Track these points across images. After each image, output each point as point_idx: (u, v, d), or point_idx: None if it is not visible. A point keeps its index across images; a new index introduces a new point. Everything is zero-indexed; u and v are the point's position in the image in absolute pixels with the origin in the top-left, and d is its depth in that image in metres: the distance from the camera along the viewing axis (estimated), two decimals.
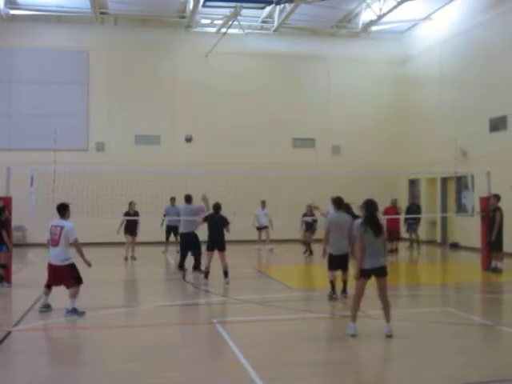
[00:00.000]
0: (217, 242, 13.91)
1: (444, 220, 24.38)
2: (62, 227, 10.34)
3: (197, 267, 15.96)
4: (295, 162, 24.99)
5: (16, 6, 23.88)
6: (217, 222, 14.10)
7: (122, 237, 19.46)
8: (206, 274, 14.01)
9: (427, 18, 25.31)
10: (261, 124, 25.90)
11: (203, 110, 25.73)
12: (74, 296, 10.45)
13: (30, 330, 9.46)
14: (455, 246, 23.03)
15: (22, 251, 21.15)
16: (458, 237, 23.15)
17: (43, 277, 14.99)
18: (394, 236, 19.99)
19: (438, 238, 24.58)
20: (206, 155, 24.54)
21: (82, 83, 25.32)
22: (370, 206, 8.90)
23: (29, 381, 7.07)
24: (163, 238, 20.78)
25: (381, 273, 8.79)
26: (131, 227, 19.20)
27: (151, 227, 20.53)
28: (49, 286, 10.77)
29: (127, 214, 19.17)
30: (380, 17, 23.97)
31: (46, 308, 10.65)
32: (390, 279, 14.13)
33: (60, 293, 13.10)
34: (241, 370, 7.23)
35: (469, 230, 20.54)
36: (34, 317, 10.39)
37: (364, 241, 8.70)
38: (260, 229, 21.89)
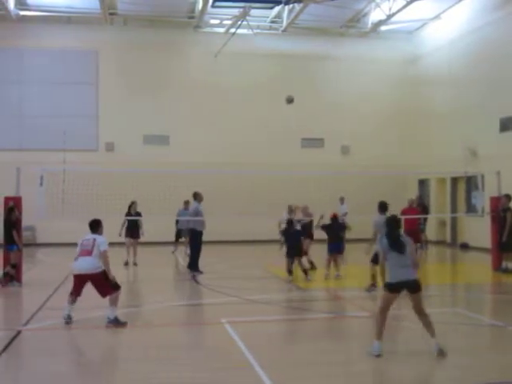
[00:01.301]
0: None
1: (454, 220, 24.27)
2: (94, 239, 10.11)
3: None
4: (304, 162, 24.95)
5: (26, 7, 23.97)
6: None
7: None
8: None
9: (436, 17, 25.22)
10: (269, 124, 25.88)
11: (212, 110, 25.74)
12: (114, 303, 9.82)
13: (40, 330, 9.49)
14: (465, 247, 22.92)
15: (31, 251, 21.24)
16: (468, 237, 23.04)
17: (53, 276, 15.13)
18: (413, 239, 19.03)
19: (448, 239, 24.48)
20: (214, 155, 24.52)
21: (92, 83, 25.39)
22: (390, 222, 8.39)
23: (39, 380, 7.09)
24: (170, 239, 20.85)
25: (412, 287, 7.93)
26: (132, 229, 17.77)
27: (161, 227, 20.58)
28: (74, 295, 10.15)
29: (128, 214, 17.78)
30: (389, 16, 23.91)
31: (69, 319, 9.85)
32: None
33: (68, 293, 13.16)
34: (249, 370, 7.23)
35: (479, 230, 20.41)
36: (43, 316, 10.43)
37: (387, 256, 8.12)
38: None
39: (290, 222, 15.29)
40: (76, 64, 25.23)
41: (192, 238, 16.44)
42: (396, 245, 8.05)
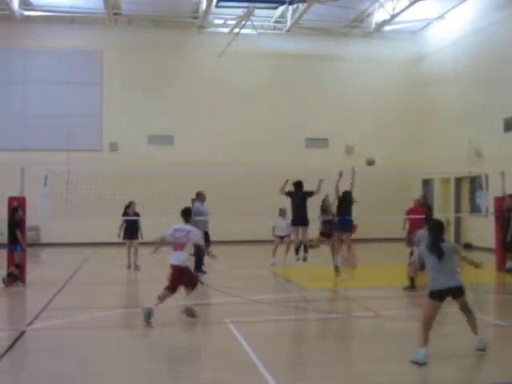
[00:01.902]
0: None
1: (458, 220, 24.24)
2: (188, 231, 10.44)
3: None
4: (308, 162, 24.93)
5: (30, 7, 24.02)
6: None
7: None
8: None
9: (441, 17, 25.19)
10: (273, 124, 25.89)
11: (216, 110, 25.76)
12: (191, 294, 10.38)
13: (44, 330, 9.50)
14: (469, 247, 22.87)
15: (35, 251, 21.27)
16: (472, 237, 23.00)
17: (57, 276, 15.16)
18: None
19: (452, 239, 24.44)
20: (219, 155, 24.53)
21: (96, 84, 25.43)
22: (433, 227, 8.15)
23: (42, 380, 7.10)
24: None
25: (455, 293, 7.90)
26: (131, 230, 16.94)
27: (165, 227, 20.54)
28: (170, 289, 10.32)
29: (125, 215, 16.98)
30: (393, 16, 23.89)
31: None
32: (402, 280, 14.09)
33: (72, 293, 13.20)
34: (254, 370, 7.22)
35: (482, 230, 20.40)
36: (47, 316, 10.44)
37: (427, 261, 7.97)
38: (282, 237, 18.89)
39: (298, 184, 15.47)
40: (80, 64, 25.27)
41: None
42: (435, 250, 7.85)
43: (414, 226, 17.43)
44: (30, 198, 14.27)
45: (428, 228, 8.20)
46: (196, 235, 10.54)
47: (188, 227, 10.59)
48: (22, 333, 9.19)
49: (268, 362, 7.42)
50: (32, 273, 15.10)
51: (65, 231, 23.05)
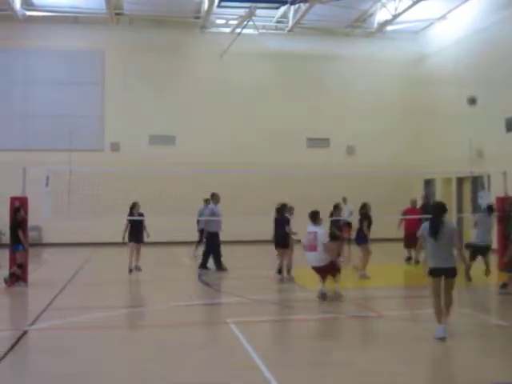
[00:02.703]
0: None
1: (460, 220, 24.20)
2: (315, 233, 11.46)
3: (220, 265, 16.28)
4: (309, 162, 24.94)
5: (32, 7, 24.05)
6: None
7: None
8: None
9: (443, 17, 25.17)
10: (275, 124, 25.87)
11: (218, 110, 25.75)
12: (337, 281, 11.75)
13: (46, 330, 9.51)
14: (471, 247, 22.81)
15: (37, 251, 21.31)
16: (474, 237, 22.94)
17: (59, 276, 15.17)
18: (415, 241, 18.41)
19: None
20: (220, 155, 24.54)
21: (98, 84, 25.44)
22: (433, 208, 9.09)
23: (44, 380, 7.11)
24: (174, 239, 20.81)
25: (448, 274, 8.68)
26: (136, 232, 16.41)
27: (166, 227, 20.56)
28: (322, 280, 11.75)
29: (131, 216, 16.39)
30: (395, 16, 23.89)
31: (323, 296, 11.62)
32: (403, 280, 14.09)
33: (74, 293, 13.21)
34: (256, 370, 7.22)
35: None
36: (49, 316, 10.45)
37: (427, 241, 8.81)
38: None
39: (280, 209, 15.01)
40: (82, 64, 25.29)
41: (206, 239, 16.56)
42: (432, 230, 8.66)
43: (410, 226, 17.40)
44: (32, 198, 14.30)
45: (432, 209, 9.13)
46: (322, 235, 11.52)
47: (316, 229, 11.58)
48: (24, 333, 9.20)
49: (270, 362, 7.42)
50: (34, 273, 15.11)
51: (66, 231, 23.05)
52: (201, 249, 19.72)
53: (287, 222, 14.67)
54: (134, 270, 16.24)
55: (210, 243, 16.46)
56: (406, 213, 18.15)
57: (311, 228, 11.66)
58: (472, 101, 18.34)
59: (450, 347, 8.44)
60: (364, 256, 14.87)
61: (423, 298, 13.01)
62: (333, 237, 15.91)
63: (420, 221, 17.55)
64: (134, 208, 16.42)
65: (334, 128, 26.69)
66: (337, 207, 16.79)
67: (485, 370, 7.30)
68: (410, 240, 16.78)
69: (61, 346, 8.52)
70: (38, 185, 14.10)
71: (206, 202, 19.69)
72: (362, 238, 15.03)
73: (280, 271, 14.69)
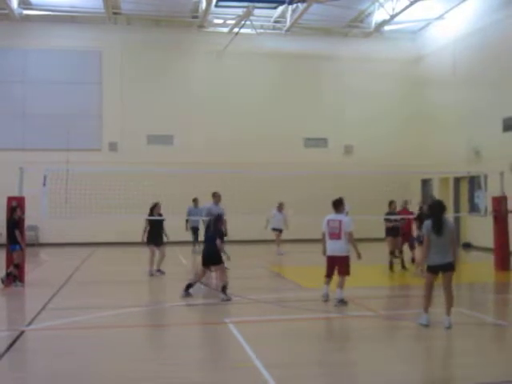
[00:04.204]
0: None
1: (457, 220, 24.25)
2: (340, 221, 11.29)
3: None
4: (307, 161, 24.95)
5: (29, 7, 24.01)
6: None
7: (130, 236, 19.38)
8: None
9: (440, 17, 25.20)
10: (273, 123, 25.89)
11: (216, 110, 25.75)
12: (342, 286, 11.21)
13: (43, 330, 9.50)
14: (468, 246, 22.93)
15: (34, 251, 21.30)
16: (471, 237, 23.03)
17: (56, 276, 15.16)
18: (405, 240, 18.70)
19: None
20: (218, 155, 24.54)
21: (95, 83, 25.42)
22: (434, 207, 9.50)
23: (42, 380, 7.11)
24: (176, 238, 20.77)
25: (446, 268, 9.18)
26: (155, 234, 15.85)
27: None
28: (329, 276, 11.60)
29: (151, 216, 15.82)
30: (393, 16, 23.91)
31: (325, 296, 11.54)
32: (401, 280, 14.10)
33: (71, 293, 13.20)
34: (253, 369, 7.23)
35: (482, 230, 20.42)
36: (47, 316, 10.44)
37: (429, 240, 9.22)
38: (276, 230, 21.14)
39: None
40: (79, 63, 25.28)
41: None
42: (436, 227, 9.16)
43: (402, 228, 17.58)
44: (29, 197, 14.28)
45: (431, 209, 9.52)
46: (347, 223, 11.33)
47: (340, 217, 11.42)
48: (21, 333, 9.19)
49: (268, 362, 7.42)
50: (31, 273, 15.10)
51: (64, 231, 23.06)
52: (199, 246, 20.00)
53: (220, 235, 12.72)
54: (154, 274, 15.60)
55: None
56: (398, 214, 18.22)
57: (334, 216, 11.42)
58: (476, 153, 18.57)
59: (450, 345, 8.45)
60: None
61: (423, 297, 13.05)
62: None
63: (409, 222, 17.72)
64: (154, 208, 15.92)
65: (331, 128, 26.72)
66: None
67: (482, 368, 7.31)
68: (403, 238, 17.17)
69: (58, 346, 8.51)
70: (36, 184, 14.07)
71: (194, 201, 19.95)
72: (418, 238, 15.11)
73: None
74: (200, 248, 19.11)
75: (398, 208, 18.23)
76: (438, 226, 9.14)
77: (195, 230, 20.59)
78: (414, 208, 18.32)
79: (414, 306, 11.75)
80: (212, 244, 12.23)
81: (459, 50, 23.92)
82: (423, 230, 9.47)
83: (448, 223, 9.33)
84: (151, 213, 15.83)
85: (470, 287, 14.09)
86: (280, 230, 21.12)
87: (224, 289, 12.04)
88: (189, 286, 12.34)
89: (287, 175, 22.40)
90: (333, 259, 11.41)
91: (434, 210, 9.42)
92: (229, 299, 11.91)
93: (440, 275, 9.28)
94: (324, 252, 11.57)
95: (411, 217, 17.58)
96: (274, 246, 21.12)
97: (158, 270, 15.76)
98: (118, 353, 8.23)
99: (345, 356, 8.18)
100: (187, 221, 20.46)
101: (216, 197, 16.67)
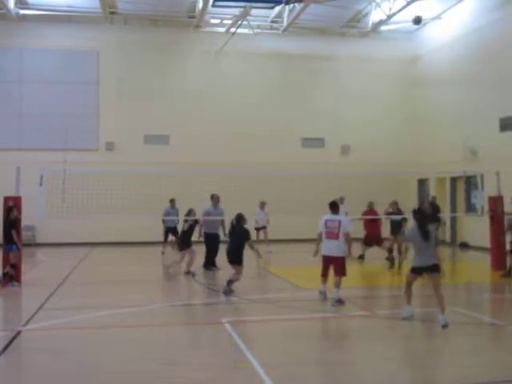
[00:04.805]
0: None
1: (453, 220, 24.29)
2: (339, 221, 11.45)
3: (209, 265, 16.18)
4: (304, 161, 24.93)
5: (26, 6, 23.96)
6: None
7: (128, 236, 19.34)
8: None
9: (437, 17, 25.21)
10: (270, 123, 25.87)
11: (212, 110, 25.72)
12: (338, 286, 11.29)
13: (40, 330, 9.50)
14: (464, 246, 22.95)
15: (31, 251, 21.26)
16: (467, 236, 23.06)
17: (53, 276, 15.14)
18: (373, 240, 18.30)
19: (448, 238, 24.49)
20: (214, 155, 24.52)
21: (92, 83, 25.37)
22: (426, 216, 10.15)
23: (38, 380, 7.10)
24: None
25: (431, 270, 9.58)
26: (185, 236, 16.09)
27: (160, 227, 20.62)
28: (325, 276, 11.68)
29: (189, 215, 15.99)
30: (389, 16, 23.93)
31: (323, 294, 11.67)
32: (398, 279, 14.11)
33: (68, 293, 13.19)
34: (250, 369, 7.24)
35: (478, 229, 20.43)
36: (43, 316, 10.43)
37: (413, 243, 9.74)
38: (258, 229, 21.38)
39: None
40: (76, 63, 25.19)
41: (204, 240, 16.52)
42: (422, 232, 9.60)
43: (368, 228, 18.02)
44: (26, 197, 14.26)
45: (417, 216, 9.84)
46: (346, 223, 11.56)
47: (339, 217, 11.68)
48: (18, 333, 9.18)
49: (264, 362, 7.43)
50: (28, 273, 15.08)
51: (60, 231, 23.01)
52: (168, 246, 20.36)
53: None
54: (193, 273, 15.46)
55: (206, 243, 16.45)
56: (364, 214, 18.44)
57: (332, 216, 11.57)
58: (417, 20, 18.38)
59: (446, 345, 8.47)
60: None
61: (418, 297, 13.07)
62: None
63: (376, 222, 18.17)
64: (189, 214, 16.04)
65: (328, 128, 26.71)
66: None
67: (478, 368, 7.33)
68: (369, 239, 18.13)
69: (55, 346, 8.51)
70: (32, 184, 14.05)
71: (172, 201, 19.76)
72: None
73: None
74: (167, 249, 19.89)
75: (365, 209, 18.42)
76: (426, 233, 9.59)
77: (171, 231, 20.17)
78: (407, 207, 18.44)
79: (413, 305, 11.79)
80: (237, 244, 12.62)
81: (456, 49, 23.93)
82: (406, 232, 10.15)
83: (432, 229, 9.86)
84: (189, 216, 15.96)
85: (466, 287, 14.12)
86: (264, 227, 21.35)
87: (230, 282, 12.47)
88: (230, 283, 12.56)
89: (284, 175, 22.39)
90: (329, 259, 11.48)
91: (425, 218, 9.90)
92: (226, 293, 12.32)
93: (427, 277, 9.72)
94: (316, 253, 11.71)
95: (375, 217, 17.94)
96: (264, 246, 20.98)
97: (189, 272, 15.58)
98: (115, 353, 8.23)
99: (342, 355, 8.19)
100: (163, 221, 20.11)
101: (214, 199, 16.62)
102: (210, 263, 16.29)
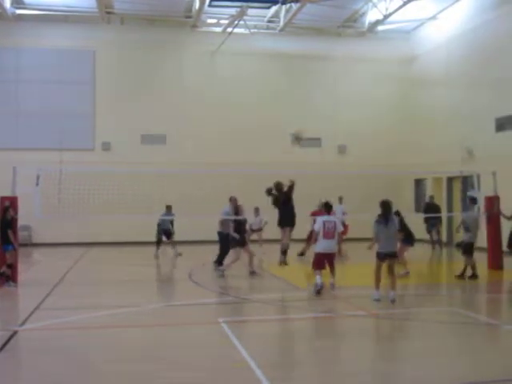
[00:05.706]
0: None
1: (450, 220, 24.30)
2: (335, 222, 12.64)
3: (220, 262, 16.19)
4: (300, 161, 24.91)
5: (22, 6, 23.92)
6: None
7: (124, 236, 19.26)
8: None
9: (433, 17, 25.25)
10: (266, 123, 25.86)
11: (209, 110, 25.72)
12: (334, 275, 12.67)
13: (37, 330, 9.48)
14: (461, 246, 22.91)
15: (27, 251, 21.23)
16: (464, 236, 23.03)
17: (49, 276, 15.12)
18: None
19: (444, 238, 24.50)
20: (211, 154, 24.52)
21: (89, 83, 25.34)
22: (384, 204, 11.64)
23: (35, 381, 7.08)
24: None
25: (391, 256, 11.51)
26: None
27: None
28: (322, 268, 12.60)
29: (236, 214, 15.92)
30: (386, 16, 23.95)
31: (320, 286, 12.34)
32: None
33: (64, 293, 13.17)
34: (247, 369, 7.22)
35: None
36: (40, 316, 10.42)
37: (379, 232, 11.46)
38: (253, 231, 21.10)
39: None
40: (73, 63, 25.16)
41: (219, 240, 16.43)
42: (385, 221, 11.37)
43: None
44: (22, 197, 14.23)
45: (381, 207, 11.60)
46: (339, 224, 12.90)
47: (334, 219, 12.88)
48: (14, 333, 9.16)
49: (260, 362, 7.42)
50: (24, 273, 15.06)
51: (57, 231, 22.98)
52: (161, 247, 20.10)
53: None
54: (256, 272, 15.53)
55: (221, 244, 16.36)
56: (313, 215, 18.40)
57: (328, 218, 12.73)
58: (297, 139, 17.52)
59: (443, 345, 8.48)
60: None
61: (416, 296, 13.09)
62: None
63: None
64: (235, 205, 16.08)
65: (325, 127, 26.69)
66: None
67: (474, 368, 7.34)
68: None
69: (52, 346, 8.49)
70: (29, 184, 14.03)
71: (168, 208, 19.61)
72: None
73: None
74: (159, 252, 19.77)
75: (315, 208, 18.27)
76: (386, 218, 11.38)
77: (165, 232, 20.12)
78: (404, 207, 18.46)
79: (410, 304, 11.82)
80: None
81: (452, 49, 23.96)
82: (374, 226, 11.62)
83: (394, 218, 11.66)
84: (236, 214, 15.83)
85: (463, 286, 14.13)
86: (259, 229, 21.29)
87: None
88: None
89: (281, 175, 22.37)
90: (327, 256, 12.57)
91: (387, 208, 11.56)
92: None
93: (388, 261, 11.47)
94: (303, 253, 13.09)
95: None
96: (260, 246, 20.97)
97: (251, 272, 15.52)
98: (113, 353, 8.22)
99: (338, 355, 8.19)
100: (158, 225, 20.00)
101: (232, 201, 16.44)
102: (219, 262, 16.24)
